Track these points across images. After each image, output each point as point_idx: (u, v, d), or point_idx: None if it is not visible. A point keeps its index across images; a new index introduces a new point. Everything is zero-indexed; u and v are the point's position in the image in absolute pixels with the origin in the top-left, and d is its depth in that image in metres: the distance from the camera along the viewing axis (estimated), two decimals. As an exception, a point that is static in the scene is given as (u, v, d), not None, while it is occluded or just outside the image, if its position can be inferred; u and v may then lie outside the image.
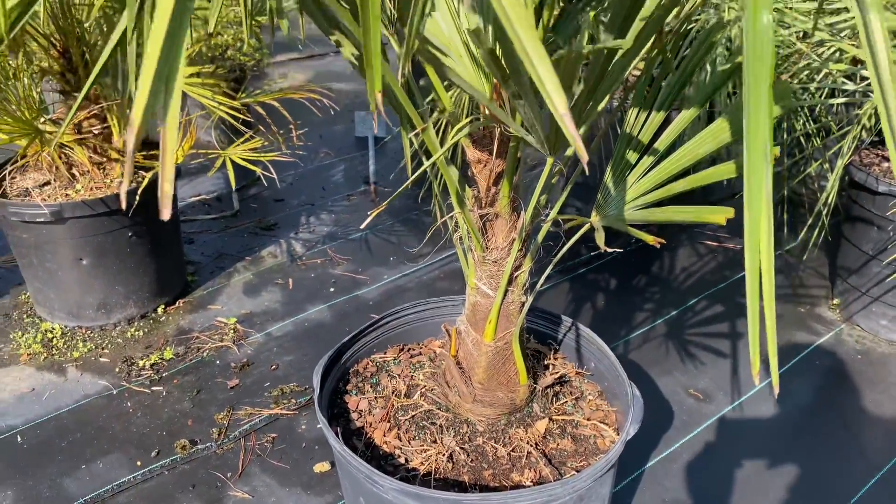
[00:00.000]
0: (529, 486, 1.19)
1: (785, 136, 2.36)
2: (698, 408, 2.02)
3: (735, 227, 2.94)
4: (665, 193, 1.04)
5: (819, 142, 2.29)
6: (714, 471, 1.80)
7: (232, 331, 2.35)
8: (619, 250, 2.59)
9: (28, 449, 1.88)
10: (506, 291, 1.21)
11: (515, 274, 1.21)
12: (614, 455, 1.16)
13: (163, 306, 2.45)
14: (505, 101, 0.99)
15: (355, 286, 2.57)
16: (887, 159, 2.32)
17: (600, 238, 1.02)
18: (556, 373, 1.43)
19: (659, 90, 1.09)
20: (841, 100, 1.98)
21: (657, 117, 1.08)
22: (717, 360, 2.20)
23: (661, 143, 1.04)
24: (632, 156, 1.05)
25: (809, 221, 2.37)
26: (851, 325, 2.37)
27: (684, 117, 1.04)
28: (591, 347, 1.48)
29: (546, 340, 1.56)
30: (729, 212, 0.90)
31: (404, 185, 1.22)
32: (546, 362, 1.48)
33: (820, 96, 2.03)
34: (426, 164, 1.03)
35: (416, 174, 1.08)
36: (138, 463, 1.83)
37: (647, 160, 1.04)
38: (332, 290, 2.56)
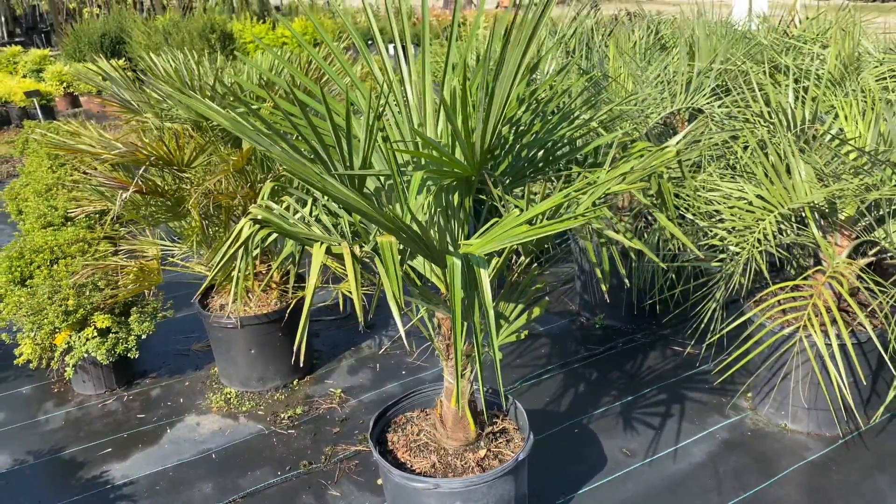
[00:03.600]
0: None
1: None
2: (624, 460, 3.11)
3: (697, 337, 4.00)
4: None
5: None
6: (622, 497, 2.89)
7: (338, 397, 3.67)
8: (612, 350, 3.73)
9: (218, 462, 3.25)
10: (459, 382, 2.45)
11: (464, 373, 2.45)
12: (507, 467, 2.35)
13: (297, 380, 3.83)
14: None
15: (419, 370, 3.85)
16: (781, 301, 3.36)
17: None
18: (499, 426, 2.63)
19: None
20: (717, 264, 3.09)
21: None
22: (647, 430, 3.28)
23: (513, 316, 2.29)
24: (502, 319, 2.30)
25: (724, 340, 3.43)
26: (756, 412, 3.37)
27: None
28: (521, 413, 2.66)
29: (502, 409, 2.76)
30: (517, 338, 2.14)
31: (408, 326, 2.50)
32: (495, 420, 2.69)
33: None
34: (414, 319, 2.32)
35: (412, 322, 2.38)
36: (279, 473, 3.15)
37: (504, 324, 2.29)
38: (403, 372, 3.85)
